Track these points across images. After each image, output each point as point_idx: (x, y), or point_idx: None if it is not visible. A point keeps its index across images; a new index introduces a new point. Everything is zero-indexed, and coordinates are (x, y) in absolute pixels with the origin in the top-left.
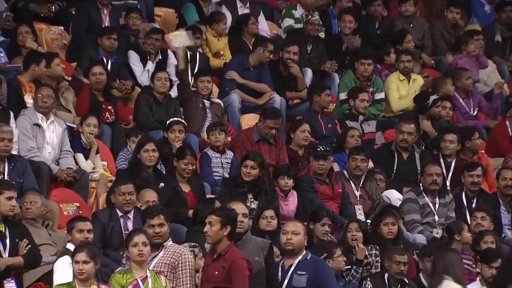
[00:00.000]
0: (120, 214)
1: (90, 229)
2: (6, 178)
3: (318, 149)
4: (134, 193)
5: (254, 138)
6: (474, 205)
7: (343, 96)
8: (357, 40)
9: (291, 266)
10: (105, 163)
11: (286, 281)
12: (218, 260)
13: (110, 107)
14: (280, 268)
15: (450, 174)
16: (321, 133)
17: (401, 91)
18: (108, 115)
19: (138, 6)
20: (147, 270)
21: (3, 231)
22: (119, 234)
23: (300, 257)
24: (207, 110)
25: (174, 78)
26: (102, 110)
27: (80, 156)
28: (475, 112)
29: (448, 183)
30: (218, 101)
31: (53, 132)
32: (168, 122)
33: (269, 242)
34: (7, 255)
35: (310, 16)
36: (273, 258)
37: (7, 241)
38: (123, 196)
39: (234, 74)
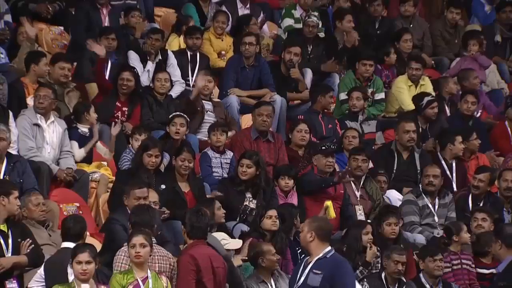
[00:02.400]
0: None
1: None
2: (2, 178)
3: (324, 147)
4: (148, 196)
5: (252, 136)
6: None
7: (343, 96)
8: (352, 35)
9: (310, 263)
10: (105, 163)
11: (302, 279)
12: None
13: (125, 109)
14: (302, 264)
15: (454, 175)
16: (321, 134)
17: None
18: (120, 115)
19: (138, 6)
20: (148, 271)
21: (6, 231)
22: None
23: (320, 255)
24: (207, 112)
25: (174, 79)
26: (115, 109)
27: (74, 144)
28: (479, 113)
29: (454, 184)
30: (220, 101)
31: (53, 132)
32: (170, 116)
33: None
34: (9, 255)
35: (307, 17)
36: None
37: (10, 240)
38: (139, 201)
39: (237, 91)
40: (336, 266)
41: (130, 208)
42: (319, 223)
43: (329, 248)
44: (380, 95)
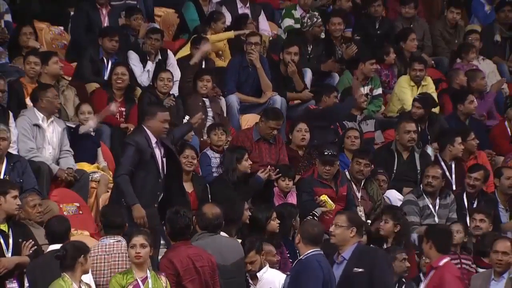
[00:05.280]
0: None
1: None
2: (2, 178)
3: (325, 153)
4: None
5: (253, 137)
6: (474, 206)
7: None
8: (352, 48)
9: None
10: (105, 163)
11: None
12: None
13: (123, 109)
14: None
15: (453, 175)
16: None
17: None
18: (118, 116)
19: (138, 6)
20: (148, 271)
21: (6, 231)
22: None
23: (301, 257)
24: (208, 108)
25: (174, 78)
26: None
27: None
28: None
29: (454, 185)
30: (215, 96)
31: (53, 132)
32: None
33: None
34: (10, 254)
35: (315, 20)
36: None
37: (10, 241)
38: (164, 124)
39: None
40: (299, 266)
41: (152, 129)
42: (305, 227)
43: (312, 250)
44: (378, 91)
